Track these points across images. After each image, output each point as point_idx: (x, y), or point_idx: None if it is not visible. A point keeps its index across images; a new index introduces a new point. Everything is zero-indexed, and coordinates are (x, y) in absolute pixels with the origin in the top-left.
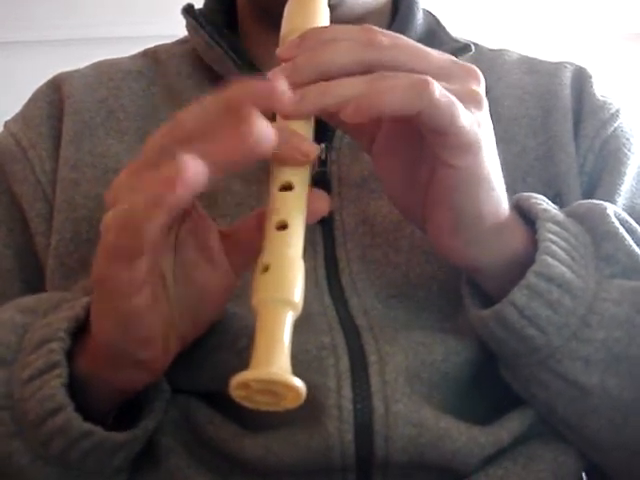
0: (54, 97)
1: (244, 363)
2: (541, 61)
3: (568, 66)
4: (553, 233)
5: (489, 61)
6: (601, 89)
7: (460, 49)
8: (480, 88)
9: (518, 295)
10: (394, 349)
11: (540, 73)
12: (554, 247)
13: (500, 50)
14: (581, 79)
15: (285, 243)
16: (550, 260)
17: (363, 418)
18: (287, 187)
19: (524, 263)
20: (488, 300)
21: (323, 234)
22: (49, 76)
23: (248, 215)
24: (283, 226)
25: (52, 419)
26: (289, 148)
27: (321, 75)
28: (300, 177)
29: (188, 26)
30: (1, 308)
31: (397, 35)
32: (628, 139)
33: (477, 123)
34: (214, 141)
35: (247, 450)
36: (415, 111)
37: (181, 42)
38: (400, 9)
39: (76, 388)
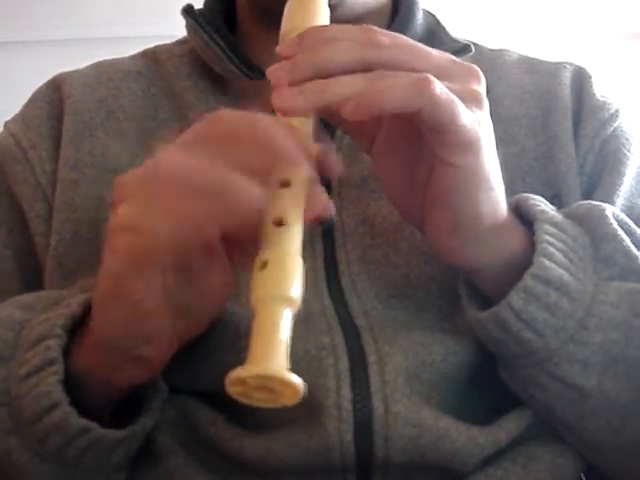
0: (54, 97)
1: (242, 362)
2: (541, 61)
3: (568, 66)
4: (551, 235)
5: (489, 61)
6: (601, 89)
7: (460, 49)
8: (481, 87)
9: (515, 298)
10: (394, 349)
11: (540, 73)
12: (551, 249)
13: (500, 50)
14: (581, 79)
15: (283, 239)
16: (547, 262)
17: (363, 418)
18: (285, 184)
19: (522, 265)
20: (486, 301)
21: (323, 235)
22: (49, 76)
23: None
24: (281, 222)
25: (48, 416)
26: (287, 145)
27: (320, 73)
28: (298, 174)
29: (188, 27)
30: (0, 305)
31: (397, 35)
32: (628, 139)
33: (477, 122)
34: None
35: (247, 450)
36: (416, 109)
37: (181, 42)
38: (400, 9)
39: (72, 385)
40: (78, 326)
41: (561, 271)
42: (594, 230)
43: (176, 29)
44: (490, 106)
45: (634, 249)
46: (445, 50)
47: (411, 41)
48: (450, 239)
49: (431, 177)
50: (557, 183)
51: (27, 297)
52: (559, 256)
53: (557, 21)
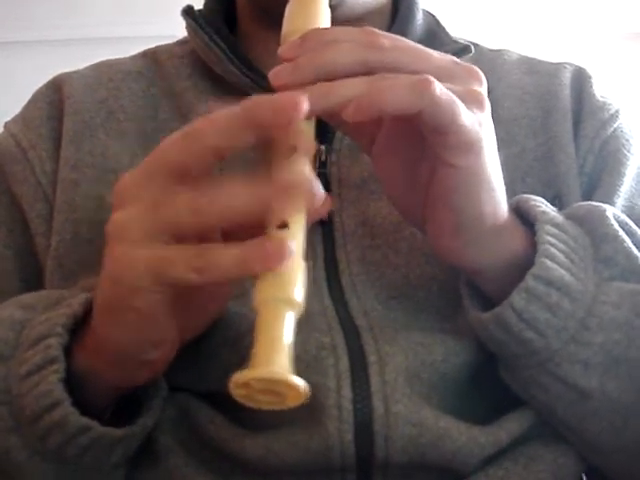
0: (54, 98)
1: (245, 363)
2: (541, 61)
3: (568, 66)
4: (552, 235)
5: (489, 62)
6: (601, 89)
7: (460, 50)
8: (482, 88)
9: (517, 298)
10: (394, 349)
11: (540, 73)
12: (553, 250)
13: (500, 50)
14: (581, 79)
15: None
16: (549, 263)
17: (363, 418)
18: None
19: (523, 265)
20: (488, 301)
21: (323, 235)
22: (49, 76)
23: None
24: (284, 225)
25: (49, 414)
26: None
27: (322, 75)
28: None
29: (188, 28)
30: (1, 305)
31: (398, 37)
32: (628, 140)
33: (478, 123)
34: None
35: (247, 450)
36: (416, 110)
37: (181, 43)
38: (400, 10)
39: (73, 384)
40: (79, 325)
41: (562, 272)
42: (595, 231)
43: (176, 29)
44: (490, 107)
45: (635, 250)
46: (445, 51)
47: (412, 43)
48: (452, 240)
49: (433, 178)
50: (557, 184)
51: (28, 297)
52: (560, 257)
53: (557, 21)
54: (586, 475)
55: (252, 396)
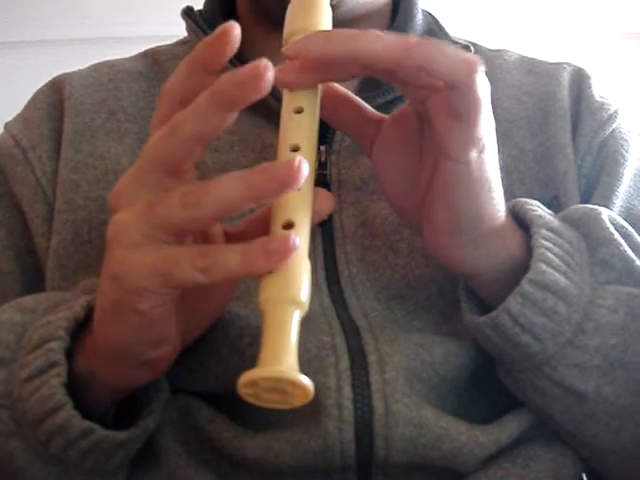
0: (54, 98)
1: (245, 362)
2: (540, 61)
3: (567, 67)
4: (547, 240)
5: (488, 62)
6: (600, 90)
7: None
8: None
9: (512, 303)
10: (394, 349)
11: (539, 74)
12: (549, 254)
13: (499, 50)
14: (580, 80)
15: None
16: (544, 267)
17: (363, 418)
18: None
19: (519, 269)
20: (485, 305)
21: (323, 236)
22: (49, 76)
23: (254, 214)
24: (289, 225)
25: (51, 418)
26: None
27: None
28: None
29: (188, 28)
30: (1, 308)
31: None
32: (626, 140)
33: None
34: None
35: (247, 450)
36: (458, 84)
37: (181, 43)
38: (400, 10)
39: (75, 387)
40: (81, 328)
41: (558, 276)
42: (590, 234)
43: (176, 29)
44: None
45: (631, 252)
46: None
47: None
48: (448, 241)
49: (434, 176)
50: (556, 184)
51: (28, 300)
52: (556, 261)
53: (557, 21)
54: (587, 475)
55: (259, 395)
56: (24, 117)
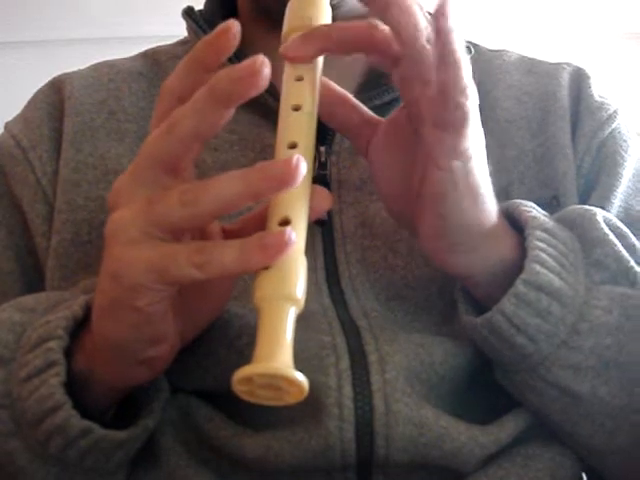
0: (54, 98)
1: (244, 361)
2: (540, 62)
3: (567, 67)
4: (542, 241)
5: (488, 62)
6: (599, 90)
7: None
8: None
9: (507, 304)
10: (394, 349)
11: (539, 74)
12: (543, 255)
13: (499, 51)
14: (579, 80)
15: None
16: (539, 268)
17: (364, 417)
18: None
19: (513, 270)
20: (482, 306)
21: (322, 236)
22: (49, 76)
23: (251, 212)
24: (285, 222)
25: (51, 418)
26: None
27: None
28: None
29: (188, 29)
30: (0, 307)
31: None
32: (625, 141)
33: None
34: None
35: (247, 449)
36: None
37: (181, 43)
38: None
39: (74, 387)
40: (80, 328)
41: (552, 277)
42: (585, 235)
43: (177, 29)
44: (489, 108)
45: (625, 253)
46: None
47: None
48: (439, 244)
49: (422, 182)
50: (555, 184)
51: (27, 299)
52: (550, 262)
53: (557, 21)
54: (586, 474)
55: (253, 392)
56: (24, 117)
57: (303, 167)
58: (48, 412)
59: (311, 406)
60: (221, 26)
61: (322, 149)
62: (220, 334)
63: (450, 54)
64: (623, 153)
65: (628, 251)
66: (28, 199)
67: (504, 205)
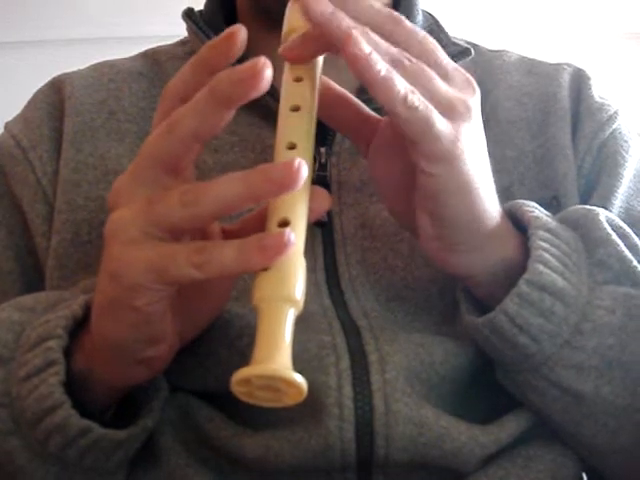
0: (55, 98)
1: (245, 362)
2: (540, 62)
3: (567, 68)
4: (545, 241)
5: (488, 63)
6: (600, 91)
7: (460, 53)
8: (473, 99)
9: (510, 304)
10: (394, 349)
11: (539, 75)
12: (546, 255)
13: (500, 51)
14: (580, 81)
15: None
16: (542, 268)
17: (364, 416)
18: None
19: (513, 272)
20: (484, 306)
21: (323, 237)
22: (49, 76)
23: (251, 213)
24: (285, 223)
25: (50, 417)
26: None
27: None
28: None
29: (189, 30)
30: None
31: (416, 29)
32: (626, 141)
33: (455, 133)
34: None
35: (247, 449)
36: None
37: (181, 43)
38: (400, 10)
39: (73, 386)
40: (79, 327)
41: (555, 276)
42: (588, 235)
43: (177, 29)
44: (491, 107)
45: (628, 253)
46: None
47: (425, 34)
48: (438, 244)
49: (415, 185)
50: (556, 185)
51: (26, 299)
52: (553, 262)
53: (557, 21)
54: (587, 474)
55: (252, 393)
56: (24, 117)
57: (304, 170)
58: (47, 411)
59: (311, 406)
60: (228, 30)
61: (322, 150)
62: (221, 334)
63: (370, 79)
64: (624, 153)
65: (631, 251)
66: (28, 199)
67: (506, 205)
